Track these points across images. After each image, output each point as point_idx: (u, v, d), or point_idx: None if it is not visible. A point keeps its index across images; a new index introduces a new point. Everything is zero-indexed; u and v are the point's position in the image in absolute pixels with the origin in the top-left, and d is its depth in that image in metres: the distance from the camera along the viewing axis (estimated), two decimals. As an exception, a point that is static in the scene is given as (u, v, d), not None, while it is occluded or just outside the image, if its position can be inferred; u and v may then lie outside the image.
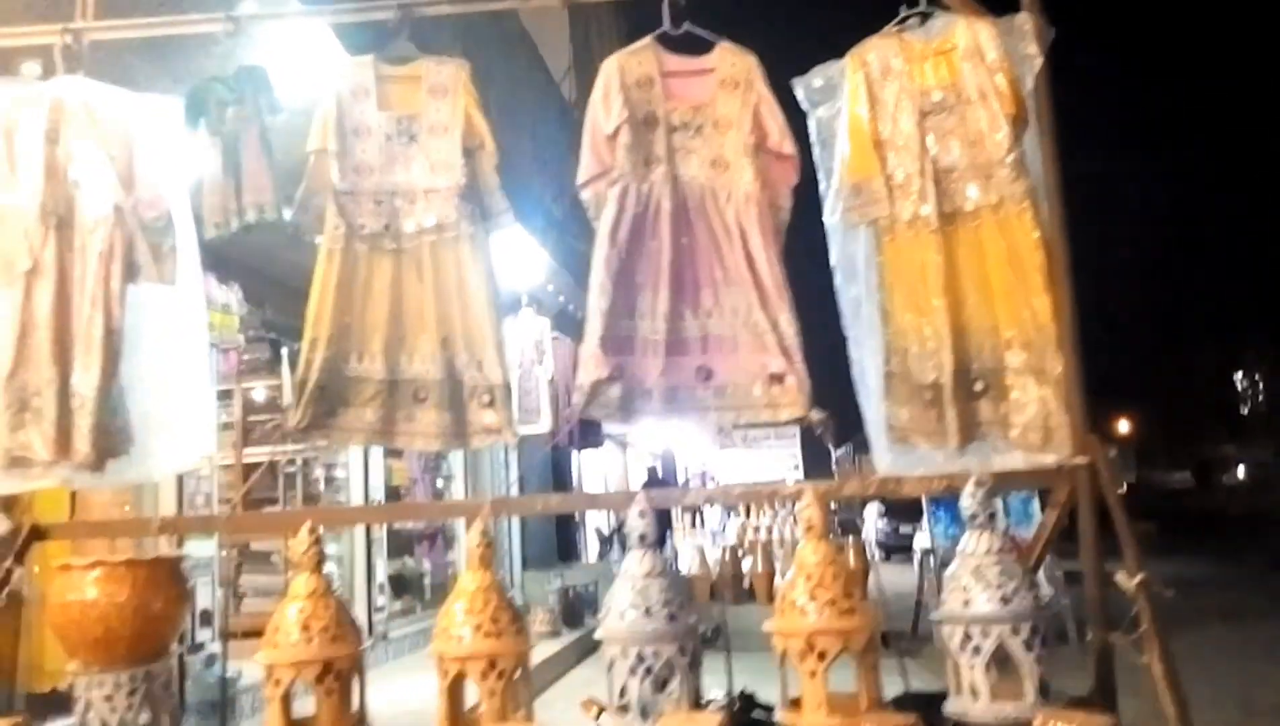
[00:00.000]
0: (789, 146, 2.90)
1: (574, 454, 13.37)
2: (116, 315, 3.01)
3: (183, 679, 2.98)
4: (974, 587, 2.23)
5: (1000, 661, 2.24)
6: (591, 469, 14.95)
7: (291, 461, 8.25)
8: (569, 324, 9.90)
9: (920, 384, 2.74)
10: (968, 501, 2.32)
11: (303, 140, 3.08)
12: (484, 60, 3.13)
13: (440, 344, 3.00)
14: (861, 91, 2.85)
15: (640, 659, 2.30)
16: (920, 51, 2.84)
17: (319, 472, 9.15)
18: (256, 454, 8.10)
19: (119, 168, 3.08)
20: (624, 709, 2.33)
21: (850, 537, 11.45)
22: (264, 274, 7.42)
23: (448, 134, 3.02)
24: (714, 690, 2.64)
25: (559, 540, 13.91)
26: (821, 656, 2.24)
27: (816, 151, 2.95)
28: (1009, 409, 2.71)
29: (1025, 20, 2.79)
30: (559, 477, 13.55)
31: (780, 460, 18.45)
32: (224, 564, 5.84)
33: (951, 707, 2.27)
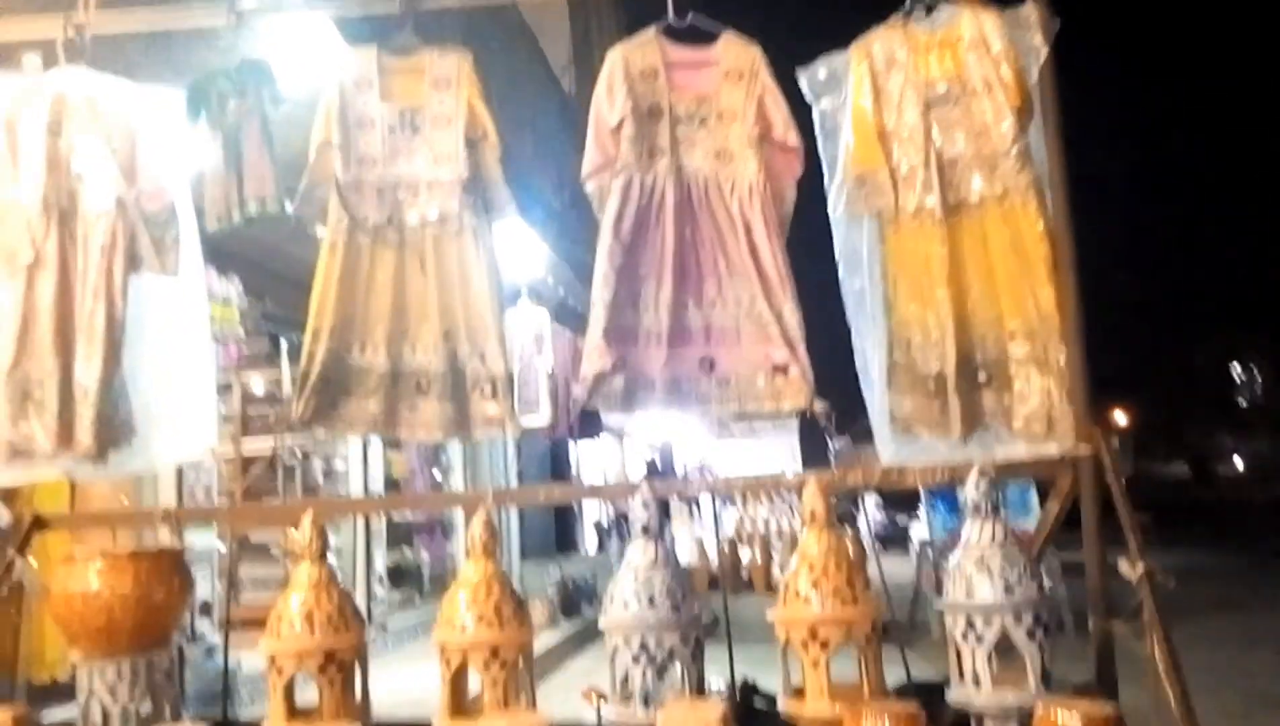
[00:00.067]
0: (793, 138, 2.90)
1: (572, 446, 13.38)
2: (119, 306, 3.02)
3: (182, 669, 2.99)
4: (977, 576, 2.24)
5: (1002, 651, 2.25)
6: (590, 461, 14.96)
7: (292, 453, 8.25)
8: (568, 316, 9.90)
9: (923, 374, 2.75)
10: (972, 491, 2.32)
11: (304, 133, 3.07)
12: (484, 53, 3.13)
13: (443, 335, 3.01)
14: (866, 83, 2.85)
15: (644, 648, 2.31)
16: (925, 42, 2.84)
17: (318, 466, 9.16)
18: (256, 447, 8.11)
19: (121, 160, 3.08)
20: (627, 697, 2.34)
21: (848, 529, 11.47)
22: (263, 266, 7.42)
23: (450, 125, 3.02)
24: (713, 679, 2.65)
25: (557, 532, 13.94)
26: (824, 645, 2.25)
27: (821, 143, 2.95)
28: (1012, 399, 2.71)
29: (1030, 11, 2.79)
30: (557, 470, 13.58)
31: (778, 452, 18.45)
32: (226, 555, 5.85)
33: (954, 695, 2.28)
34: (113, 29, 3.22)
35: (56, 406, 2.96)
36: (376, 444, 9.50)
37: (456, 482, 10.99)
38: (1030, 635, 2.20)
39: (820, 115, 2.96)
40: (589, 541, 14.97)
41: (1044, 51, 2.73)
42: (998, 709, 2.20)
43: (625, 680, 2.34)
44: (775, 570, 11.67)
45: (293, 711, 2.54)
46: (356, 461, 9.14)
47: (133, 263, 3.05)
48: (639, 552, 2.42)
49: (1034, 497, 8.40)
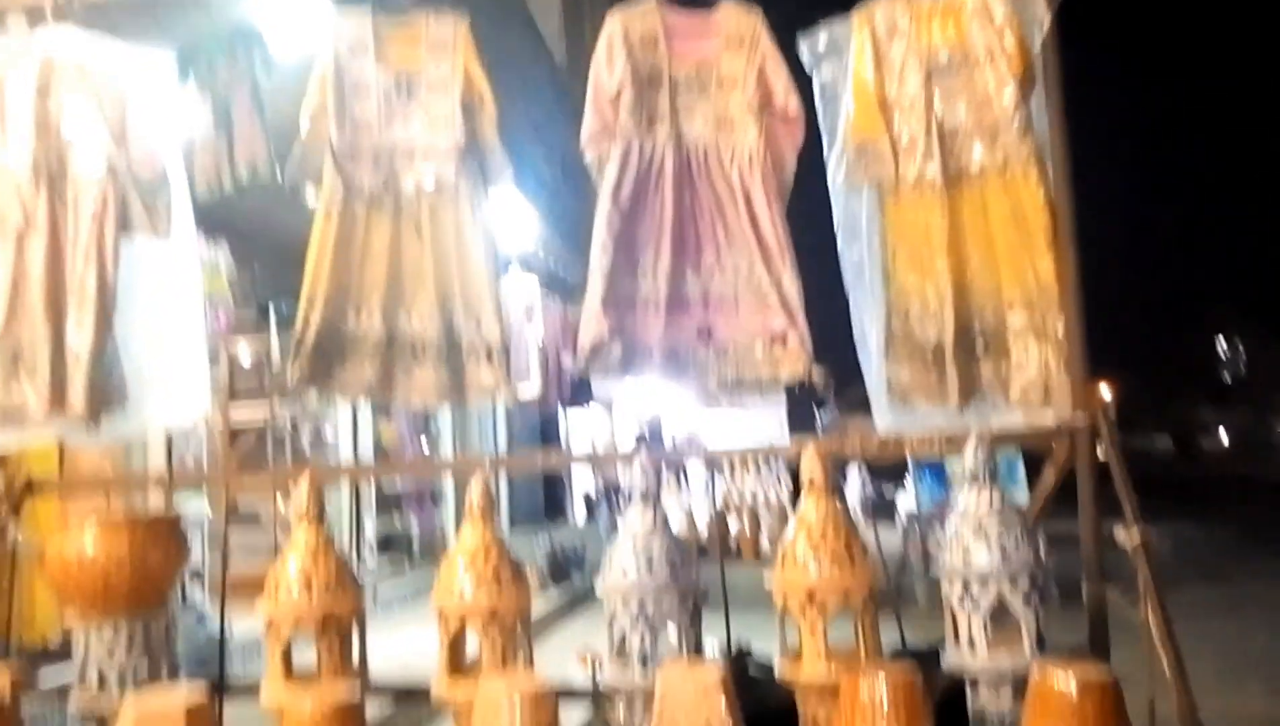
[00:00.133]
0: (794, 105, 2.89)
1: (562, 417, 13.38)
2: (110, 270, 3.00)
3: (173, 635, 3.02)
4: (974, 543, 2.26)
5: (996, 618, 2.28)
6: (579, 432, 14.97)
7: (282, 422, 8.22)
8: (559, 287, 9.87)
9: (921, 344, 2.76)
10: (970, 459, 2.34)
11: (297, 100, 3.04)
12: (475, 21, 3.09)
13: (439, 302, 3.00)
14: (867, 51, 2.83)
15: (642, 611, 2.32)
16: (928, 10, 2.83)
17: (307, 435, 9.13)
18: (245, 416, 8.07)
19: (111, 122, 3.05)
20: (624, 660, 2.35)
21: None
22: (252, 234, 7.37)
23: (447, 90, 3.00)
24: (708, 644, 2.67)
25: (546, 502, 13.97)
26: (822, 610, 2.26)
27: (820, 111, 2.94)
28: (1010, 369, 2.73)
29: (1035, -19, 2.76)
30: (547, 441, 13.57)
31: (766, 423, 18.51)
32: (217, 521, 5.85)
33: (950, 660, 2.30)
34: (100, -9, 3.17)
35: (48, 370, 2.94)
36: (366, 413, 9.49)
37: (446, 452, 10.99)
38: (1026, 600, 2.23)
39: (820, 83, 2.95)
40: (578, 512, 15.01)
41: (1047, 21, 2.72)
42: (993, 672, 2.22)
43: (623, 643, 2.36)
44: (763, 540, 11.73)
45: (290, 674, 2.55)
46: (346, 431, 9.12)
47: (124, 226, 3.02)
48: (637, 519, 2.43)
49: (1021, 469, 8.45)
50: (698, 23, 2.97)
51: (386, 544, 9.72)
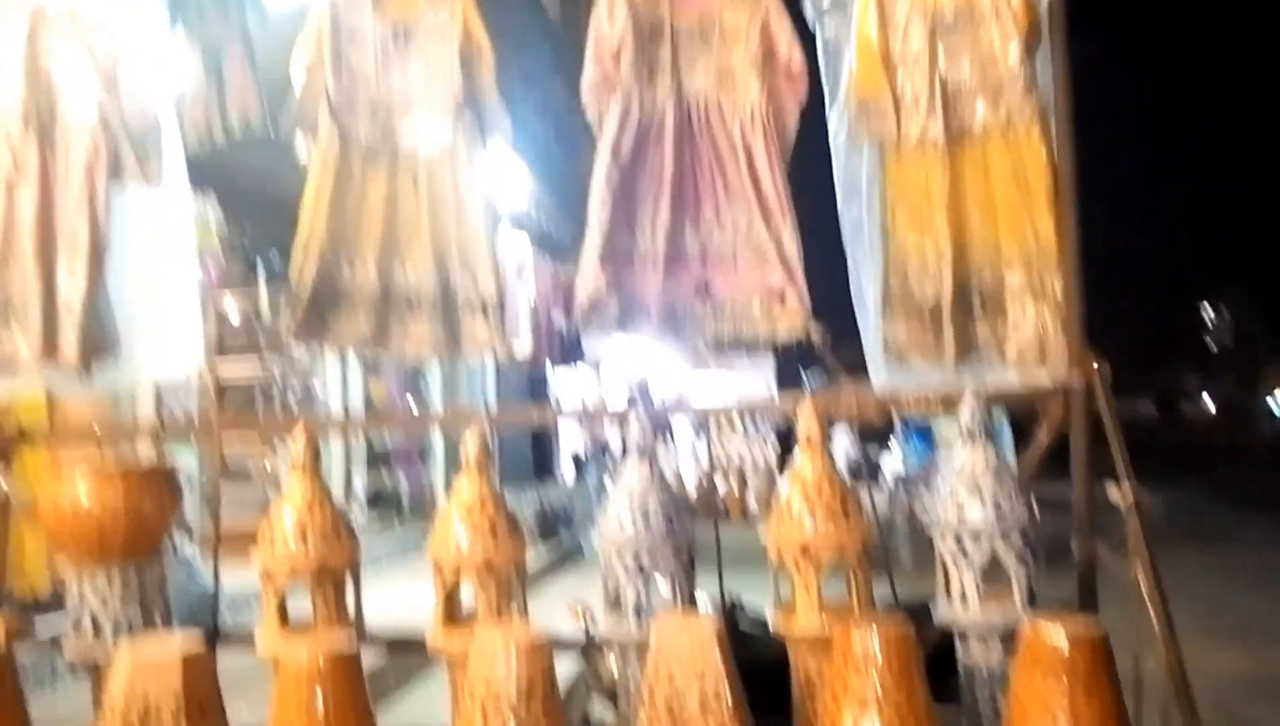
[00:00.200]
0: (797, 60, 2.86)
1: (551, 377, 13.39)
2: (101, 219, 2.98)
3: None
4: (968, 499, 2.28)
5: (988, 575, 2.30)
6: (568, 393, 14.99)
7: (271, 377, 8.21)
8: (551, 246, 9.83)
9: (919, 302, 2.76)
10: (966, 417, 2.35)
11: (289, 50, 3.00)
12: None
13: (434, 254, 2.98)
14: (872, 7, 2.80)
15: (638, 564, 2.33)
16: (932, -34, 2.79)
17: (296, 392, 9.11)
18: (234, 371, 8.05)
19: (102, 70, 3.01)
20: (619, 612, 2.37)
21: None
22: (242, 188, 7.29)
23: (445, 41, 2.96)
24: (700, 599, 2.70)
25: (535, 460, 14.02)
26: (816, 564, 2.28)
27: (823, 67, 2.92)
28: (1007, 328, 2.73)
29: (1041, -64, 2.74)
30: (536, 400, 13.59)
31: (754, 385, 18.56)
32: (209, 473, 5.86)
33: (941, 614, 2.33)
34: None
35: (39, 318, 2.93)
36: (355, 370, 9.47)
37: (435, 410, 10.99)
38: (1019, 557, 2.25)
39: (824, 39, 2.92)
40: (567, 471, 15.08)
41: (1053, -23, 2.70)
42: (985, 626, 2.25)
43: (618, 595, 2.37)
44: (750, 501, 11.82)
45: (285, 624, 2.56)
46: (335, 389, 9.10)
47: (115, 174, 2.99)
48: (634, 473, 2.43)
49: (1008, 432, 8.53)
50: None
51: (376, 500, 9.76)
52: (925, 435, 11.01)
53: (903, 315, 2.77)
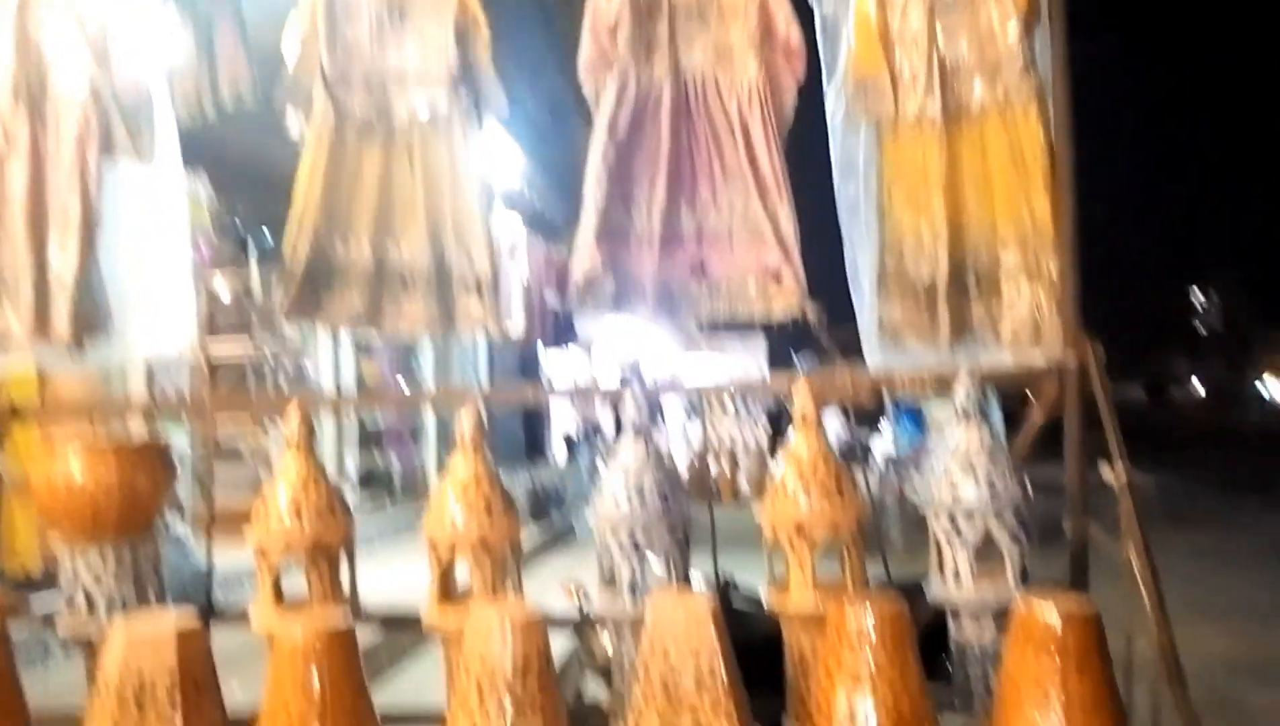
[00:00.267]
0: (795, 37, 2.84)
1: (542, 358, 13.40)
2: (93, 192, 2.95)
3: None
4: (962, 478, 2.28)
5: (980, 554, 2.31)
6: (559, 375, 15.00)
7: (263, 357, 8.18)
8: (543, 226, 9.81)
9: (914, 281, 2.76)
10: (961, 396, 2.35)
11: (281, 24, 2.97)
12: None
13: (429, 232, 2.97)
14: (870, -16, 2.78)
15: (633, 541, 2.34)
16: (931, -57, 2.77)
17: (288, 372, 9.09)
18: (225, 351, 8.02)
19: (93, 42, 2.97)
20: (614, 590, 2.38)
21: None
22: (233, 165, 7.24)
23: (440, 14, 2.93)
24: (694, 577, 2.70)
25: (526, 441, 14.05)
26: (811, 542, 2.29)
27: (821, 45, 2.90)
28: (1001, 308, 2.74)
29: (1041, -88, 2.72)
30: (528, 381, 13.60)
31: (746, 367, 18.59)
32: (201, 451, 5.85)
33: (934, 592, 2.34)
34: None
35: (31, 294, 2.91)
36: (348, 350, 9.45)
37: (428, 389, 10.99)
38: (1012, 535, 2.26)
39: (822, 16, 2.90)
40: (558, 452, 15.11)
41: (1051, -43, 2.68)
42: (977, 604, 2.26)
43: (613, 573, 2.38)
44: (741, 482, 11.87)
45: (280, 601, 2.56)
46: (328, 370, 9.09)
47: (107, 149, 2.97)
48: (629, 451, 2.43)
49: (998, 413, 8.58)
50: None
51: (368, 481, 9.77)
52: (916, 417, 11.05)
53: (898, 295, 2.77)
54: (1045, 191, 2.65)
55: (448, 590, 2.54)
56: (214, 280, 8.07)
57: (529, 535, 9.63)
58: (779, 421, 11.98)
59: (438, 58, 2.91)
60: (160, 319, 3.07)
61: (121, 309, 3.03)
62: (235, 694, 2.25)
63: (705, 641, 2.03)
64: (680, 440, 13.96)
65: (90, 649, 2.61)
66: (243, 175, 7.54)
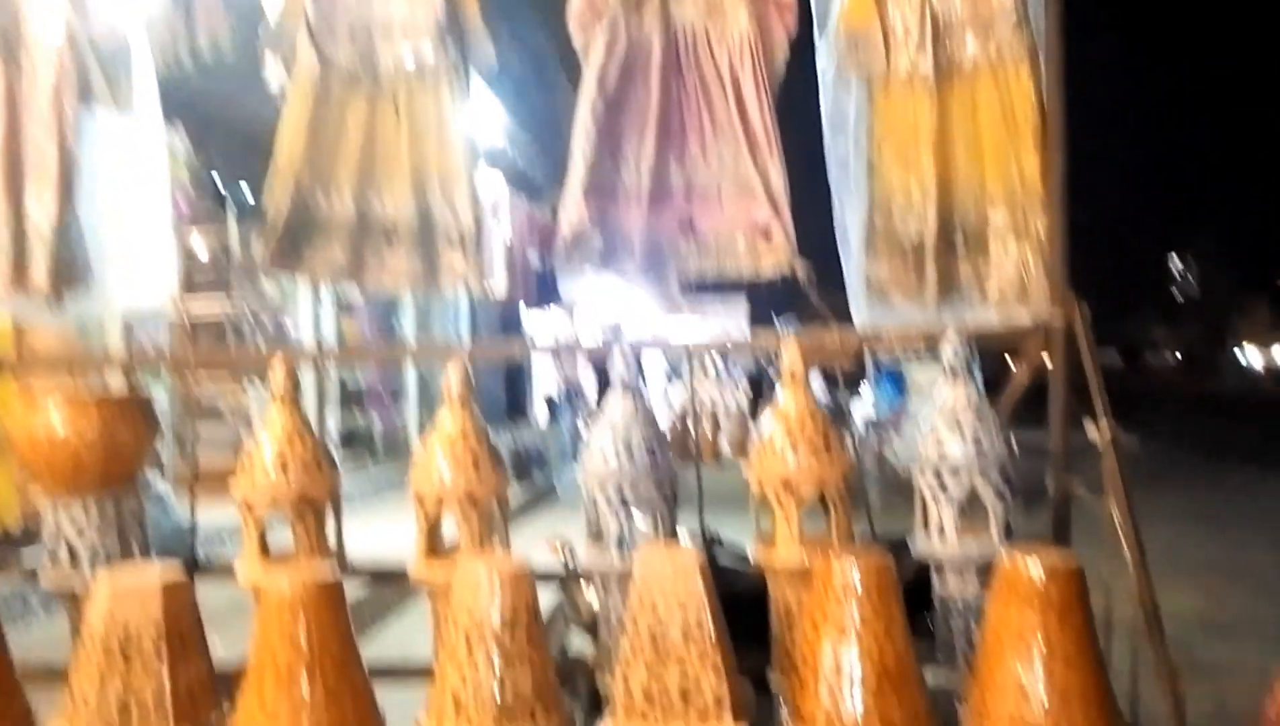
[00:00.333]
0: None
1: (524, 319, 13.36)
2: (71, 141, 2.90)
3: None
4: (948, 435, 2.30)
5: (964, 511, 2.33)
6: (540, 336, 14.99)
7: (241, 318, 8.12)
8: (526, 185, 9.73)
9: (902, 239, 2.75)
10: (948, 354, 2.36)
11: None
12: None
13: (413, 185, 2.93)
14: (863, -65, 2.75)
15: (620, 496, 2.34)
16: (925, -105, 2.74)
17: (267, 329, 9.03)
18: (203, 309, 7.95)
19: (69, -13, 2.89)
20: (601, 545, 2.39)
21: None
22: (209, 118, 7.14)
23: None
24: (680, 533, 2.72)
25: (508, 402, 14.05)
26: (798, 498, 2.30)
27: (813, -1, 2.86)
28: (988, 266, 2.74)
29: None
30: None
31: (727, 327, 18.62)
32: (181, 407, 5.82)
33: (919, 547, 2.36)
34: None
35: (9, 245, 2.86)
36: (328, 309, 9.38)
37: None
38: (997, 492, 2.28)
39: (813, -32, 2.87)
40: (540, 413, 15.11)
41: (1045, -91, 2.65)
42: (961, 559, 2.29)
43: (600, 528, 2.39)
44: (722, 443, 11.91)
45: (266, 555, 2.56)
46: (308, 328, 9.04)
47: (84, 97, 2.91)
48: (617, 407, 2.43)
49: (978, 374, 8.64)
50: None
51: (349, 440, 9.76)
52: (896, 380, 11.10)
53: (885, 253, 2.77)
54: (1035, 150, 2.65)
55: (435, 544, 2.54)
56: (191, 237, 7.98)
57: (512, 494, 9.64)
58: (759, 385, 12.02)
59: (424, 7, 2.86)
60: (140, 271, 3.03)
61: (101, 260, 2.98)
62: (217, 649, 2.24)
63: (693, 594, 2.03)
64: (661, 402, 13.98)
65: (74, 601, 2.61)
66: (221, 130, 7.43)
